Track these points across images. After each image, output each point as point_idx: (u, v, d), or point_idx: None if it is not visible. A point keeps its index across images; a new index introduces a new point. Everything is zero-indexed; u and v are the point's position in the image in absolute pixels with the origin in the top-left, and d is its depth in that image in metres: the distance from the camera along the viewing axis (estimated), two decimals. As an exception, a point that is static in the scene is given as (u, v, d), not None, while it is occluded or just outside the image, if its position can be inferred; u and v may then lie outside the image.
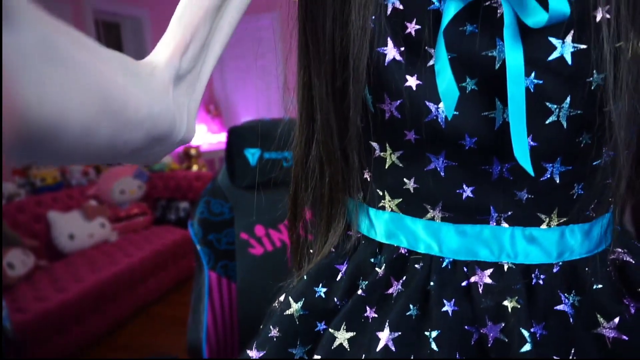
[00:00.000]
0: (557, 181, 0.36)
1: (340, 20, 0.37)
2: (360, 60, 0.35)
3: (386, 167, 0.41)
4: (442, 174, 0.38)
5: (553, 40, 0.32)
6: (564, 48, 0.32)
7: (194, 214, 1.04)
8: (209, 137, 4.36)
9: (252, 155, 1.01)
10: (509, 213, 0.38)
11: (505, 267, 0.38)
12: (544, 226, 0.38)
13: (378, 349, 0.37)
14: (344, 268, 0.44)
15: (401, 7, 0.34)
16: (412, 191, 0.40)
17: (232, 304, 1.03)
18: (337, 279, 0.44)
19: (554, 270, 0.38)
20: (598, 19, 0.31)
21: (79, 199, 2.65)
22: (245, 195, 1.05)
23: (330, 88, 0.39)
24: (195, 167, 3.77)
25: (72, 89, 0.21)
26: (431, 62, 0.34)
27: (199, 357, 0.97)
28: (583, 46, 0.31)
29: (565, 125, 0.34)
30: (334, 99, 0.40)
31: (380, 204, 0.43)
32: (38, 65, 0.18)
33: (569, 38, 0.32)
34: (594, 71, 0.32)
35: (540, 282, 0.38)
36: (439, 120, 0.35)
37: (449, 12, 0.32)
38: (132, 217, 2.79)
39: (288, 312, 0.43)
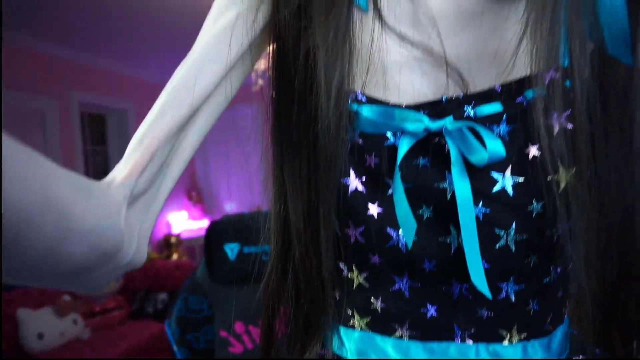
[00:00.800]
0: (513, 299, 0.38)
1: (313, 163, 0.39)
2: (330, 199, 0.38)
3: (354, 287, 0.43)
4: (407, 294, 0.40)
5: (494, 174, 0.35)
6: (505, 181, 0.35)
7: (171, 313, 1.00)
8: (189, 224, 4.33)
9: (232, 250, 1.01)
10: (472, 330, 0.40)
11: None
12: (505, 342, 0.40)
13: None
14: None
15: (361, 142, 0.38)
16: (379, 311, 0.42)
17: (209, 411, 0.97)
18: None
19: None
20: (530, 156, 0.35)
21: (51, 295, 2.53)
22: (224, 291, 1.02)
23: (307, 223, 0.41)
24: (175, 256, 3.69)
25: (13, 176, 0.21)
26: (390, 192, 0.37)
27: None
28: (521, 179, 0.35)
29: (513, 249, 0.36)
30: (311, 232, 0.41)
31: (350, 323, 0.44)
32: None
33: (508, 172, 0.35)
34: (533, 200, 0.35)
35: None
36: (400, 245, 0.38)
37: (403, 148, 0.35)
38: (108, 312, 2.66)
39: None
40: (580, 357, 0.42)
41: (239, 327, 1.02)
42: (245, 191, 4.46)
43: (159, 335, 2.55)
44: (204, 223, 4.44)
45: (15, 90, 2.86)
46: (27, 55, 2.98)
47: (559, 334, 0.42)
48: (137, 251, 0.35)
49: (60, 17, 2.74)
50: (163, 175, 0.38)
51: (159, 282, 2.96)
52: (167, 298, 2.86)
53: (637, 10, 0.37)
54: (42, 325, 2.28)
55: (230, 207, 4.50)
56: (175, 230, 4.14)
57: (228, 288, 1.02)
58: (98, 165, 3.77)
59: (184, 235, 4.12)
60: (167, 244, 3.81)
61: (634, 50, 0.36)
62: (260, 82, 2.59)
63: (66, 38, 3.06)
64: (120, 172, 0.34)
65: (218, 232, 1.02)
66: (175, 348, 0.97)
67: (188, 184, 4.53)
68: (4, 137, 0.21)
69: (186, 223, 4.30)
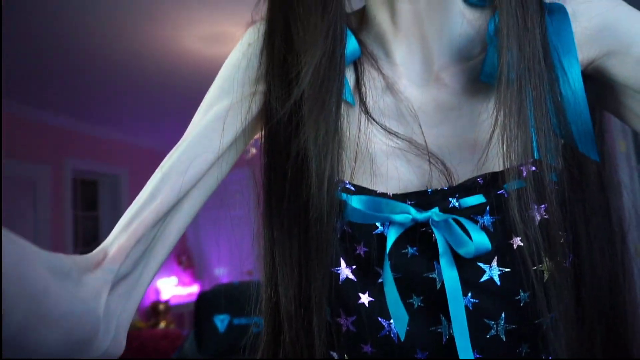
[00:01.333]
0: None
1: (304, 249, 0.40)
2: (323, 283, 0.38)
3: None
4: None
5: (481, 264, 0.36)
6: (492, 271, 0.36)
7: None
8: (179, 290, 4.23)
9: (222, 321, 1.00)
10: None
11: None
12: None
13: None
14: None
15: (350, 230, 0.38)
16: None
17: None
18: None
19: None
20: (515, 245, 0.36)
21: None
22: (213, 365, 1.00)
23: (298, 308, 0.41)
24: (162, 324, 3.57)
25: None
26: (380, 280, 0.38)
27: None
28: (507, 269, 0.36)
29: (504, 339, 0.36)
30: (302, 318, 0.41)
31: None
32: None
33: (494, 262, 0.36)
34: (520, 290, 0.35)
35: None
36: (392, 335, 0.38)
37: (391, 237, 0.36)
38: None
39: None
40: None
41: (227, 403, 0.98)
42: (235, 256, 4.41)
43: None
44: (194, 289, 4.34)
45: (9, 159, 2.90)
46: (21, 123, 3.05)
47: None
48: (114, 340, 0.33)
49: (56, 85, 2.83)
50: (147, 259, 0.37)
51: (143, 353, 2.84)
52: (152, 370, 2.74)
53: (594, 111, 0.41)
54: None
55: (221, 272, 4.42)
56: (164, 296, 4.03)
57: (217, 362, 1.00)
58: (88, 230, 3.74)
59: (173, 302, 4.01)
60: (154, 311, 3.70)
61: (598, 147, 0.38)
62: (253, 150, 2.64)
63: (61, 106, 3.15)
64: (104, 253, 0.33)
65: (208, 303, 1.02)
66: None
67: (178, 248, 4.48)
68: None
69: (175, 289, 4.20)
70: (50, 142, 3.25)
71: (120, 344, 0.34)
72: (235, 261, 4.40)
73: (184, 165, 0.38)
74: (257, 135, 0.47)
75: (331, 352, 0.43)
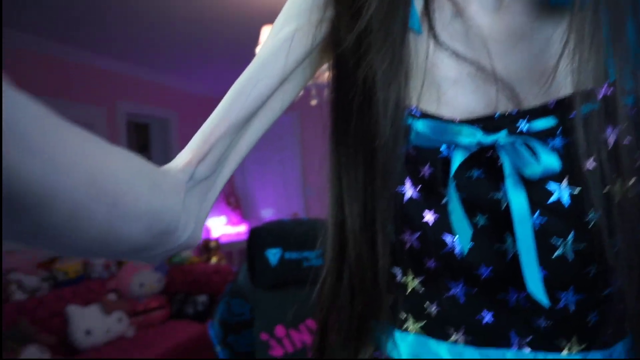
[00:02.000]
0: (572, 309, 0.38)
1: (370, 173, 0.41)
2: (387, 206, 0.39)
3: (408, 292, 0.43)
4: (462, 300, 0.40)
5: (551, 185, 0.35)
6: (562, 191, 0.35)
7: (214, 315, 1.04)
8: (228, 229, 4.42)
9: (274, 255, 1.04)
10: (530, 338, 0.39)
11: None
12: (565, 352, 0.39)
13: None
14: None
15: (415, 153, 0.39)
16: (433, 315, 0.42)
17: (250, 411, 1.00)
18: None
19: None
20: (586, 167, 0.34)
21: (98, 292, 2.66)
22: (265, 296, 1.06)
23: (363, 228, 0.42)
24: (214, 260, 3.78)
25: (62, 165, 0.21)
26: (445, 200, 0.38)
27: None
28: (577, 192, 0.35)
29: (571, 258, 0.36)
30: (367, 237, 0.42)
31: (404, 326, 0.45)
32: (28, 133, 0.19)
33: (564, 183, 0.35)
34: (590, 211, 0.35)
35: None
36: (455, 252, 0.38)
37: (456, 161, 0.36)
38: (150, 311, 2.76)
39: None
40: None
41: (279, 330, 1.05)
42: (281, 198, 4.53)
43: (199, 335, 2.62)
44: (242, 228, 4.53)
45: (70, 100, 3.04)
46: (78, 67, 3.16)
47: (620, 348, 0.40)
48: (192, 233, 0.37)
49: (110, 31, 2.89)
50: (221, 166, 0.40)
51: (198, 285, 3.04)
52: (207, 300, 2.94)
53: None
54: (90, 322, 2.39)
55: (267, 214, 4.58)
56: (214, 234, 4.24)
57: (269, 293, 1.06)
58: (142, 171, 3.92)
59: (223, 240, 4.22)
60: (206, 248, 3.91)
61: None
62: (301, 92, 2.63)
63: (115, 50, 3.22)
64: (183, 158, 0.37)
65: (260, 237, 1.06)
66: (218, 348, 1.01)
67: (227, 190, 4.65)
68: (54, 119, 0.22)
69: (224, 228, 4.39)
70: (105, 85, 3.36)
71: (197, 237, 0.38)
72: (281, 203, 4.52)
73: (251, 84, 0.40)
74: (323, 66, 0.47)
75: (394, 269, 0.44)
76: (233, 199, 4.64)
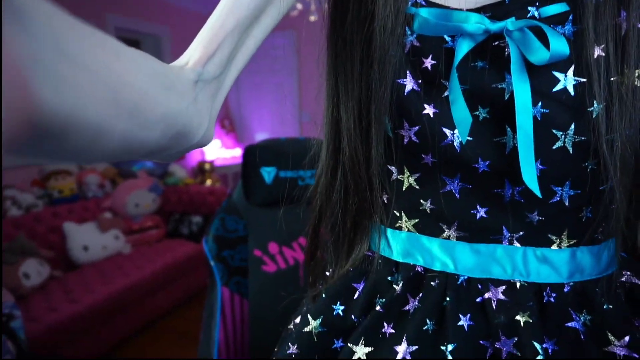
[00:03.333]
0: (567, 204, 0.38)
1: (366, 62, 0.40)
2: (383, 96, 0.39)
3: (403, 189, 0.44)
4: (457, 195, 0.41)
5: (556, 74, 0.35)
6: (567, 81, 0.35)
7: (209, 230, 1.05)
8: (222, 152, 4.41)
9: (268, 173, 1.03)
10: (521, 233, 0.40)
11: (518, 284, 0.40)
12: (554, 247, 0.40)
13: None
14: (361, 287, 0.46)
15: (418, 44, 0.38)
16: (428, 212, 0.43)
17: (244, 321, 1.04)
18: (355, 297, 0.46)
19: (565, 289, 0.40)
20: (594, 56, 0.34)
21: (94, 211, 2.69)
22: (260, 213, 1.06)
23: (358, 123, 0.42)
24: (208, 182, 3.80)
25: (86, 89, 0.20)
26: (446, 93, 0.37)
27: (209, 373, 0.97)
28: (583, 79, 0.35)
29: (571, 151, 0.36)
30: (361, 131, 0.42)
31: (397, 225, 0.45)
32: (52, 63, 0.18)
33: (570, 72, 0.35)
34: (594, 101, 0.35)
35: (552, 300, 0.40)
36: (455, 144, 0.38)
37: (462, 50, 0.35)
38: (146, 230, 2.81)
39: (306, 329, 0.45)
40: (628, 273, 0.42)
41: (272, 247, 1.06)
42: (277, 122, 4.47)
43: (193, 254, 2.70)
44: (237, 152, 4.52)
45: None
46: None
47: (610, 246, 0.41)
48: (206, 132, 0.37)
49: None
50: (230, 64, 0.39)
51: (193, 206, 3.08)
52: (201, 221, 2.99)
53: None
54: (87, 238, 2.44)
55: (262, 137, 4.54)
56: (209, 157, 4.23)
57: (263, 210, 1.06)
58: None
59: (217, 163, 4.22)
60: (200, 170, 3.91)
61: None
62: (299, 6, 2.50)
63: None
64: (190, 57, 0.36)
65: (255, 155, 1.04)
66: (212, 263, 1.02)
67: (221, 113, 4.57)
68: (72, 21, 0.21)
69: (219, 151, 4.38)
70: (91, -5, 3.17)
71: (211, 135, 0.38)
72: (277, 127, 4.47)
73: None
74: None
75: (390, 167, 0.44)
76: (228, 122, 4.58)
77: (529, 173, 0.35)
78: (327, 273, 0.51)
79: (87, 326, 1.97)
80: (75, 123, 0.20)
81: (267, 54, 3.99)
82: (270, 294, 1.03)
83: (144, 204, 2.82)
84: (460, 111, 0.36)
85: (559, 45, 0.32)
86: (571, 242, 0.40)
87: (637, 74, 0.35)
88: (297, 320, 0.46)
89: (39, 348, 1.72)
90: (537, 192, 0.35)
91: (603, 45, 0.34)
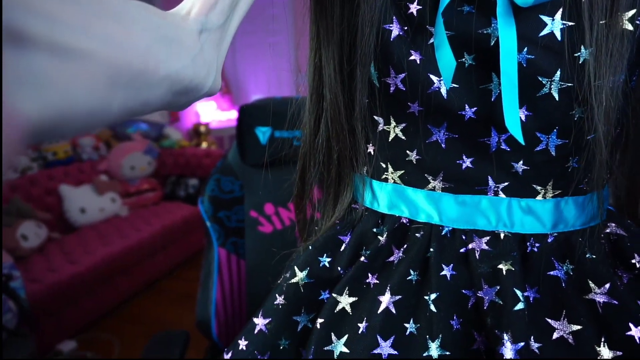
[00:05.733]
0: (553, 154, 0.38)
1: (349, 6, 0.39)
2: (368, 40, 0.38)
3: (389, 140, 0.43)
4: (443, 145, 0.41)
5: (544, 17, 0.34)
6: (554, 25, 0.34)
7: (204, 191, 1.04)
8: (218, 115, 4.35)
9: (263, 133, 1.01)
10: (506, 184, 0.40)
11: (502, 235, 0.41)
12: (539, 197, 0.40)
13: (379, 311, 0.40)
14: (347, 239, 0.47)
15: None
16: (414, 162, 0.43)
17: (240, 281, 1.05)
18: (341, 249, 0.46)
19: (549, 240, 0.40)
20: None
21: (89, 174, 2.68)
22: (255, 174, 1.05)
23: (339, 69, 0.42)
24: (204, 145, 3.78)
25: (75, 80, 0.20)
26: (432, 40, 0.37)
27: (207, 331, 0.99)
28: (571, 23, 0.34)
29: (557, 98, 0.36)
30: (342, 79, 0.42)
31: (384, 176, 0.45)
32: (36, 66, 0.18)
33: (558, 16, 0.34)
34: (582, 46, 0.34)
35: (535, 249, 0.40)
36: (441, 92, 0.38)
37: None
38: (142, 193, 2.81)
39: (293, 280, 0.45)
40: (613, 225, 0.42)
41: (268, 208, 1.06)
42: (273, 83, 4.40)
43: (191, 216, 2.71)
44: (232, 114, 4.46)
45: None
46: None
47: (595, 197, 0.41)
48: (213, 82, 0.36)
49: None
50: (232, 13, 0.38)
51: (189, 169, 3.07)
52: (198, 183, 2.99)
53: None
54: (84, 201, 2.44)
55: (258, 99, 4.48)
56: (204, 119, 4.18)
57: (259, 170, 1.05)
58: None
59: (213, 126, 4.17)
60: (196, 132, 3.88)
61: None
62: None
63: None
64: (193, 6, 0.34)
65: (249, 115, 1.02)
66: (208, 224, 1.02)
67: (216, 74, 4.48)
68: None
69: (215, 113, 4.32)
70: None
71: (218, 84, 0.37)
72: (273, 88, 4.40)
73: None
74: None
75: (375, 117, 0.44)
76: (223, 83, 4.50)
77: (513, 119, 0.35)
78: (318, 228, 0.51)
79: (87, 287, 2.00)
80: (69, 116, 0.20)
81: (263, 12, 3.88)
82: (266, 254, 1.03)
83: (140, 167, 2.80)
84: (445, 56, 0.35)
85: None
86: (556, 193, 0.40)
87: (626, 17, 0.34)
88: (287, 274, 0.47)
89: (40, 308, 1.75)
90: (520, 139, 0.35)
91: None
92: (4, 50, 0.17)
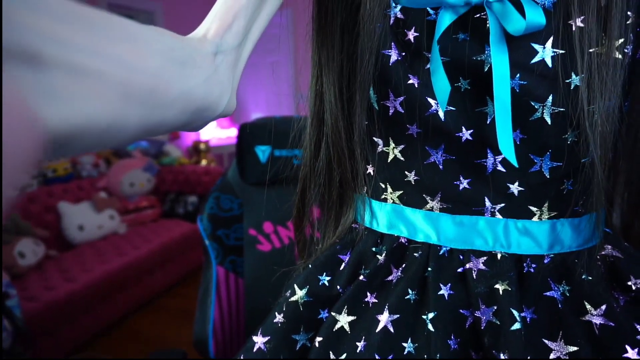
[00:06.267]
0: (547, 176, 0.39)
1: (348, 36, 0.41)
2: (367, 67, 0.39)
3: (388, 161, 0.44)
4: (441, 167, 0.42)
5: (535, 45, 0.36)
6: (544, 52, 0.35)
7: (203, 209, 1.04)
8: (218, 132, 4.37)
9: (263, 152, 1.02)
10: (502, 205, 0.41)
11: (499, 255, 0.41)
12: (535, 219, 0.41)
13: (377, 330, 0.40)
14: (347, 258, 0.47)
15: (402, 17, 0.39)
16: (412, 183, 0.44)
17: (239, 300, 1.04)
18: (341, 268, 0.47)
19: (545, 261, 0.41)
20: (574, 27, 0.34)
21: (89, 191, 2.67)
22: (254, 192, 1.05)
23: (339, 95, 0.43)
24: (204, 162, 3.79)
25: (92, 94, 0.21)
26: (429, 65, 0.38)
27: (205, 350, 0.98)
28: (561, 51, 0.35)
29: (549, 122, 0.37)
30: (342, 104, 0.44)
31: (383, 197, 0.46)
32: (55, 79, 0.19)
33: (548, 44, 0.35)
34: (572, 73, 0.35)
35: (532, 270, 0.41)
36: (439, 114, 0.39)
37: (444, 23, 0.36)
38: (141, 210, 2.81)
39: (293, 298, 0.45)
40: (609, 247, 0.42)
41: (267, 227, 1.06)
42: (273, 102, 4.43)
43: (190, 233, 2.70)
44: (232, 132, 4.48)
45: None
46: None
47: (592, 219, 0.42)
48: (229, 102, 0.37)
49: None
50: (247, 36, 0.39)
51: (188, 186, 3.07)
52: (197, 201, 2.99)
53: None
54: (82, 218, 2.43)
55: (258, 117, 4.50)
56: (204, 137, 4.20)
57: (258, 189, 1.05)
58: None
59: (213, 144, 4.19)
60: (196, 150, 3.89)
61: None
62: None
63: None
64: (208, 30, 0.36)
65: (249, 133, 1.03)
66: (207, 242, 1.02)
67: (216, 92, 4.50)
68: (81, 11, 0.22)
69: (214, 131, 4.35)
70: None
71: (233, 104, 0.38)
72: (273, 107, 4.43)
73: None
74: None
75: (375, 139, 0.45)
76: (223, 102, 4.53)
77: (506, 143, 0.36)
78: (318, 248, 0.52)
79: (84, 305, 1.98)
80: (87, 129, 0.21)
81: (264, 32, 3.93)
82: (265, 273, 1.03)
83: (139, 184, 2.80)
84: (440, 81, 0.36)
85: (535, 16, 0.33)
86: (552, 214, 0.41)
87: (616, 45, 0.35)
88: (288, 293, 0.47)
89: (37, 326, 1.74)
90: (514, 161, 0.36)
91: (583, 17, 0.34)
92: (24, 70, 0.18)
